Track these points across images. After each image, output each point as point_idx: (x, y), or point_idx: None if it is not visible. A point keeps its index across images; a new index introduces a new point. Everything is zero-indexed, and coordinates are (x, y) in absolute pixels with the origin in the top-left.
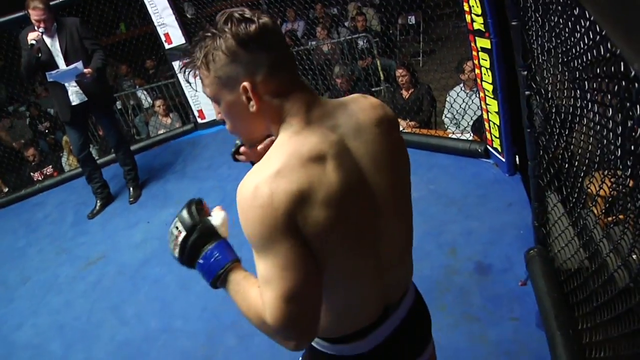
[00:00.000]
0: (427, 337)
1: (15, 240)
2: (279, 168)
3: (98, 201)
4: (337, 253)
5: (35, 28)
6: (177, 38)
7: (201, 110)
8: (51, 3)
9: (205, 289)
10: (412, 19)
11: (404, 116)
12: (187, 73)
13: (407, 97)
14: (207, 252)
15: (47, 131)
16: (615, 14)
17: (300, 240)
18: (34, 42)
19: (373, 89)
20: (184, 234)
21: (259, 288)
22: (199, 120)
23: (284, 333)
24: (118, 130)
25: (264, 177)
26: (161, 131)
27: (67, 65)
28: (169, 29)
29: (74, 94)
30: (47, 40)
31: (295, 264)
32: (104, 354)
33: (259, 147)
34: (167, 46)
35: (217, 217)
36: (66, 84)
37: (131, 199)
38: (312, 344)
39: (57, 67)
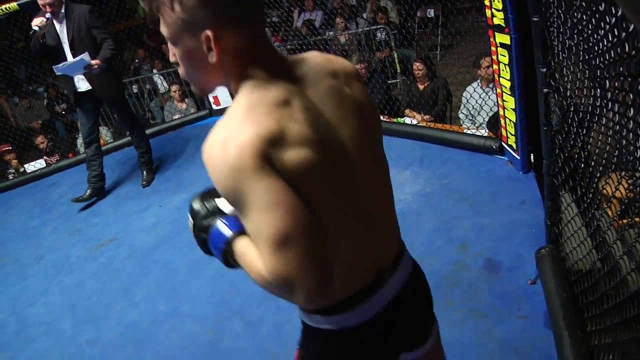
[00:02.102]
0: (429, 313)
1: (30, 219)
2: (243, 117)
3: (88, 190)
4: (320, 196)
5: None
6: None
7: (216, 96)
8: None
9: (214, 274)
10: (431, 12)
11: (419, 109)
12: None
13: (422, 89)
14: (212, 231)
15: (63, 112)
16: None
17: (279, 179)
18: (37, 28)
19: (389, 81)
20: (191, 221)
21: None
22: (214, 107)
23: (286, 285)
24: (131, 114)
25: (231, 129)
26: (176, 116)
27: (72, 54)
28: None
29: (80, 81)
30: (57, 25)
31: (277, 202)
32: (113, 334)
33: None
34: None
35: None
36: None
37: (144, 183)
38: (303, 319)
39: (64, 53)
